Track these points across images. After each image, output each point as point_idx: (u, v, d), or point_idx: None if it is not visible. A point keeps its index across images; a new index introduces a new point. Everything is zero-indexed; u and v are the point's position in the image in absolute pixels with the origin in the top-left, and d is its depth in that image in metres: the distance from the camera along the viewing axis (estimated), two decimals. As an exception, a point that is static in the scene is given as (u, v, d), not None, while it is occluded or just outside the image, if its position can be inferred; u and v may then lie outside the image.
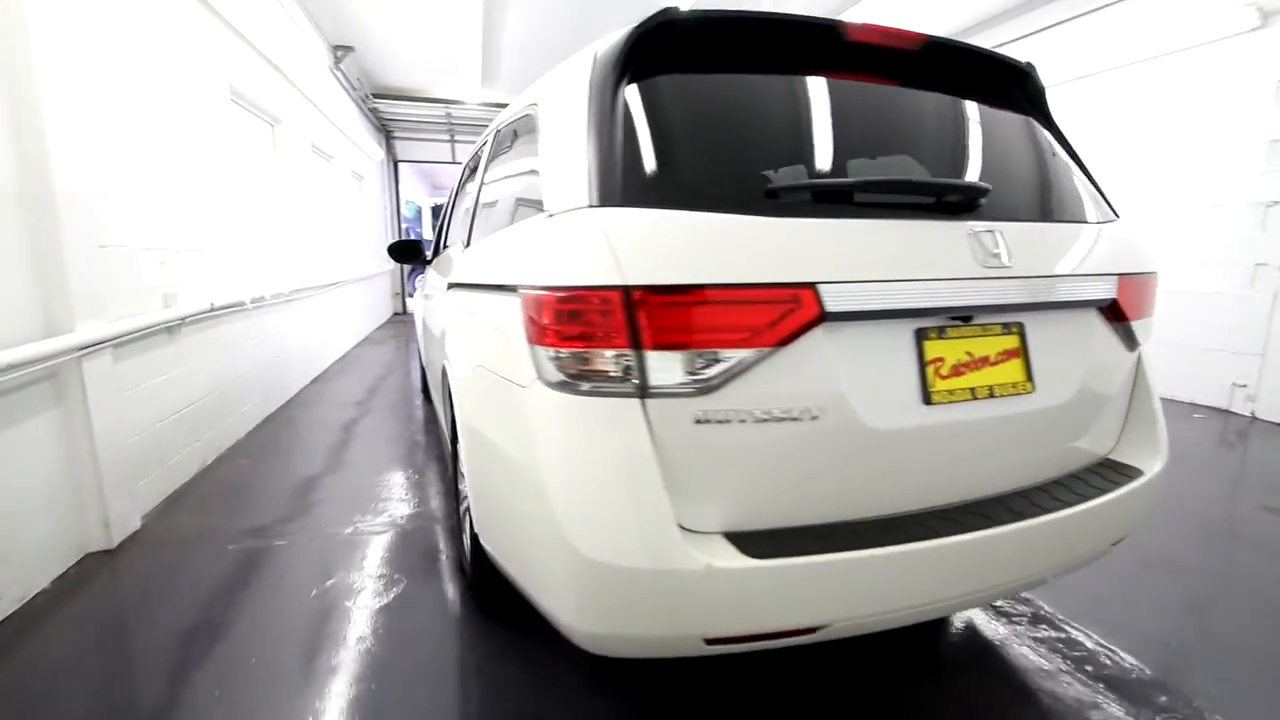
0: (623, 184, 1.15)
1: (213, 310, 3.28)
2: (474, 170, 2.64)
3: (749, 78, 1.35)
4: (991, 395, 1.30)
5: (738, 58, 1.35)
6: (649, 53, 1.29)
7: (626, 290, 1.06)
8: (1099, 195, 1.62)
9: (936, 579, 1.20)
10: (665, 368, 1.08)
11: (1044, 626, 1.89)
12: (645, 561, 1.06)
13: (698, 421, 1.10)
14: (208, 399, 3.30)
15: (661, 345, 1.07)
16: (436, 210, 21.59)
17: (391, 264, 10.74)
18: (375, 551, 2.35)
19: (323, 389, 5.19)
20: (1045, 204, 1.50)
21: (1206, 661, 1.75)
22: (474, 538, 1.71)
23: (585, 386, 1.10)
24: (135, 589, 2.10)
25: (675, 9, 1.26)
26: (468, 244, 2.18)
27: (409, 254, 4.01)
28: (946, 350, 1.26)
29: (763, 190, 1.20)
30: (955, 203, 1.30)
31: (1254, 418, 4.24)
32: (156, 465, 2.74)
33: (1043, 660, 1.74)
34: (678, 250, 1.09)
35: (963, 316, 1.27)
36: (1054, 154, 1.61)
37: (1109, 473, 1.50)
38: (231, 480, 3.12)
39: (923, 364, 1.24)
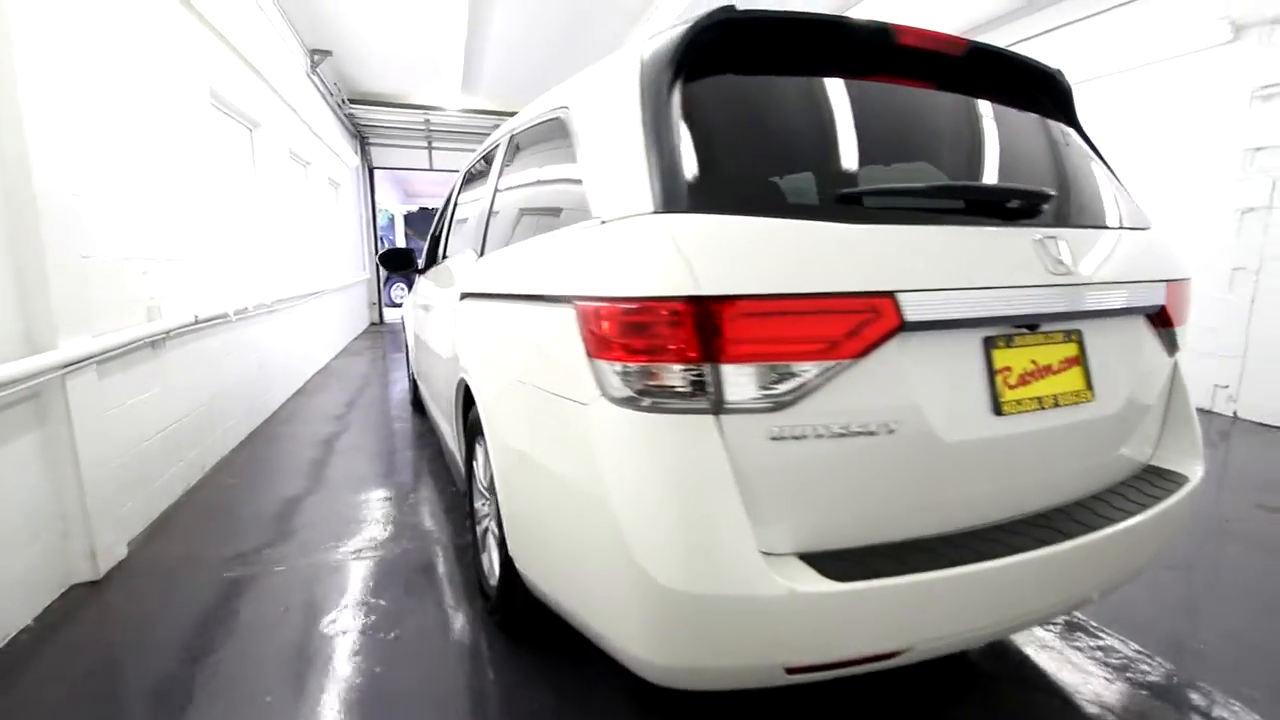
0: (687, 188, 1.10)
1: (197, 323, 3.12)
2: (481, 177, 2.56)
3: (803, 80, 1.30)
4: (1056, 405, 1.27)
5: (789, 60, 1.31)
6: (703, 53, 1.23)
7: (701, 300, 1.00)
8: (1133, 202, 1.62)
9: (1015, 596, 1.17)
10: (741, 382, 1.02)
11: (1080, 634, 1.88)
12: (726, 588, 1.00)
13: (773, 438, 1.05)
14: (191, 416, 3.14)
15: (737, 358, 1.02)
16: (409, 218, 21.24)
17: (368, 273, 10.52)
18: (381, 575, 2.24)
19: (305, 403, 5.01)
20: (1092, 210, 1.48)
21: (1240, 664, 1.75)
22: (505, 561, 1.62)
23: (656, 403, 1.04)
24: (127, 625, 1.95)
25: (733, 7, 1.22)
26: (481, 253, 2.10)
27: (401, 263, 3.89)
28: (1014, 359, 1.23)
29: (829, 195, 1.16)
30: (1018, 209, 1.28)
31: (1236, 417, 4.36)
32: (141, 488, 2.58)
33: (1085, 669, 1.72)
34: (752, 258, 1.04)
35: (1029, 324, 1.24)
36: (1090, 160, 1.60)
37: (1157, 480, 1.49)
38: (219, 502, 2.96)
39: (992, 373, 1.20)
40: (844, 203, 1.15)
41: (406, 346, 4.86)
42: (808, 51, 1.31)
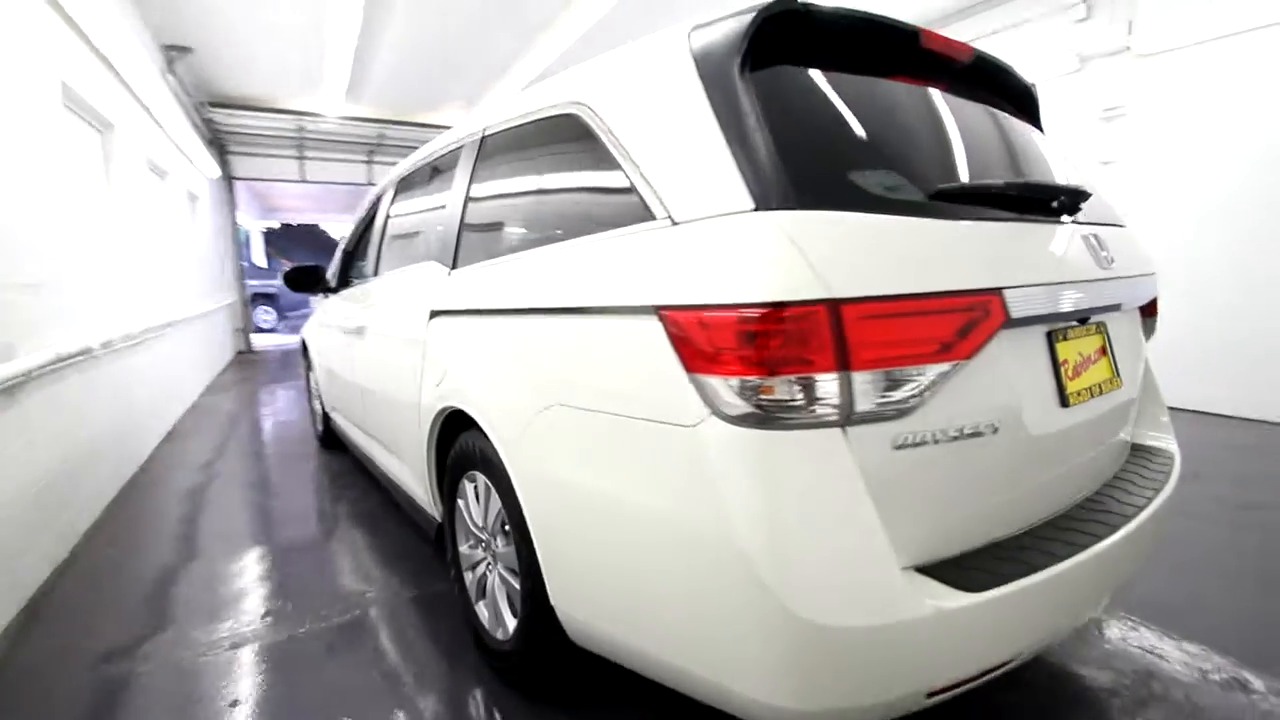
0: (786, 183, 1.01)
1: (59, 360, 2.56)
2: (429, 184, 2.32)
3: (857, 78, 1.27)
4: (1101, 393, 1.33)
5: (839, 54, 1.27)
6: (764, 43, 1.16)
7: (833, 303, 0.93)
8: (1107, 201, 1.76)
9: (1098, 583, 1.19)
10: (869, 390, 0.96)
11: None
12: (876, 616, 0.92)
13: (896, 447, 0.99)
14: (58, 473, 2.56)
15: (867, 364, 0.95)
16: (270, 236, 19.34)
17: (232, 297, 9.43)
18: (350, 644, 1.92)
19: (180, 449, 4.31)
20: (1097, 208, 1.58)
21: (1251, 636, 1.83)
22: (533, 610, 1.43)
23: (778, 417, 0.94)
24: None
25: (796, -1, 1.16)
26: (453, 266, 1.89)
27: (309, 282, 3.49)
28: (1069, 352, 1.27)
29: (923, 192, 1.12)
30: (1060, 206, 1.32)
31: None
32: (7, 570, 2.05)
33: (1105, 650, 1.79)
34: (870, 256, 0.98)
35: (1081, 318, 1.28)
36: (1073, 163, 1.72)
37: (1152, 458, 1.60)
38: (102, 576, 2.43)
39: (1056, 366, 1.23)
40: (936, 200, 1.13)
41: (310, 377, 4.34)
42: (854, 47, 1.29)
